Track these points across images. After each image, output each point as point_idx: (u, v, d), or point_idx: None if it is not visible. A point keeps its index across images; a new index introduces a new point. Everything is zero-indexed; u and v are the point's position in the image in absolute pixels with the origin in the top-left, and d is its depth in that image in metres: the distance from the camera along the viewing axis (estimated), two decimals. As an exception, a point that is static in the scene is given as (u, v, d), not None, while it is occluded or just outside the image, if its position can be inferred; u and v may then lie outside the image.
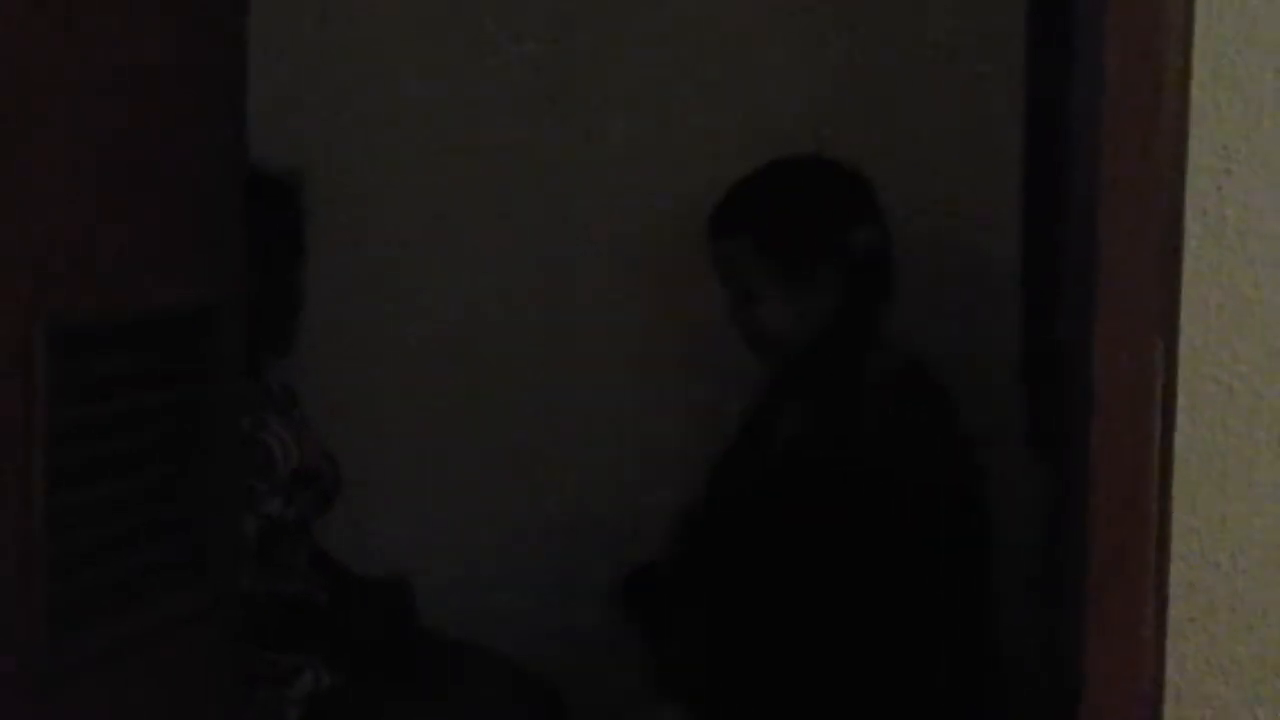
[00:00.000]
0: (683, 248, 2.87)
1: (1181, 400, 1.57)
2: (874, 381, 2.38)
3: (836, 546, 2.27)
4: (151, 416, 2.00)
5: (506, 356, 2.98)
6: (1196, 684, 1.60)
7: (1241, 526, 1.57)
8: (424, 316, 3.00)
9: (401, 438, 3.00)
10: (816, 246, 2.39)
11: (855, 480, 2.28)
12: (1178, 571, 1.59)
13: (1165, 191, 1.58)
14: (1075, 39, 1.99)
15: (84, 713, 1.86)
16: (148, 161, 1.95)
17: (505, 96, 2.96)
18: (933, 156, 2.62)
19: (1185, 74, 1.57)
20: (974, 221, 2.74)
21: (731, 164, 2.69)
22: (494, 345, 2.99)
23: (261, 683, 2.43)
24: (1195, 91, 1.56)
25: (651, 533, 2.86)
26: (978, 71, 2.79)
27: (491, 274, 2.98)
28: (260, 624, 2.39)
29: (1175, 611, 1.59)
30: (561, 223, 2.96)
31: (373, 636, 2.55)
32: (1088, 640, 1.61)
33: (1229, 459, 1.57)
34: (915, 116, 2.80)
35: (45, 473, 1.76)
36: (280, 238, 2.54)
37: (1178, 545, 1.59)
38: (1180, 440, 1.57)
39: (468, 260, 2.98)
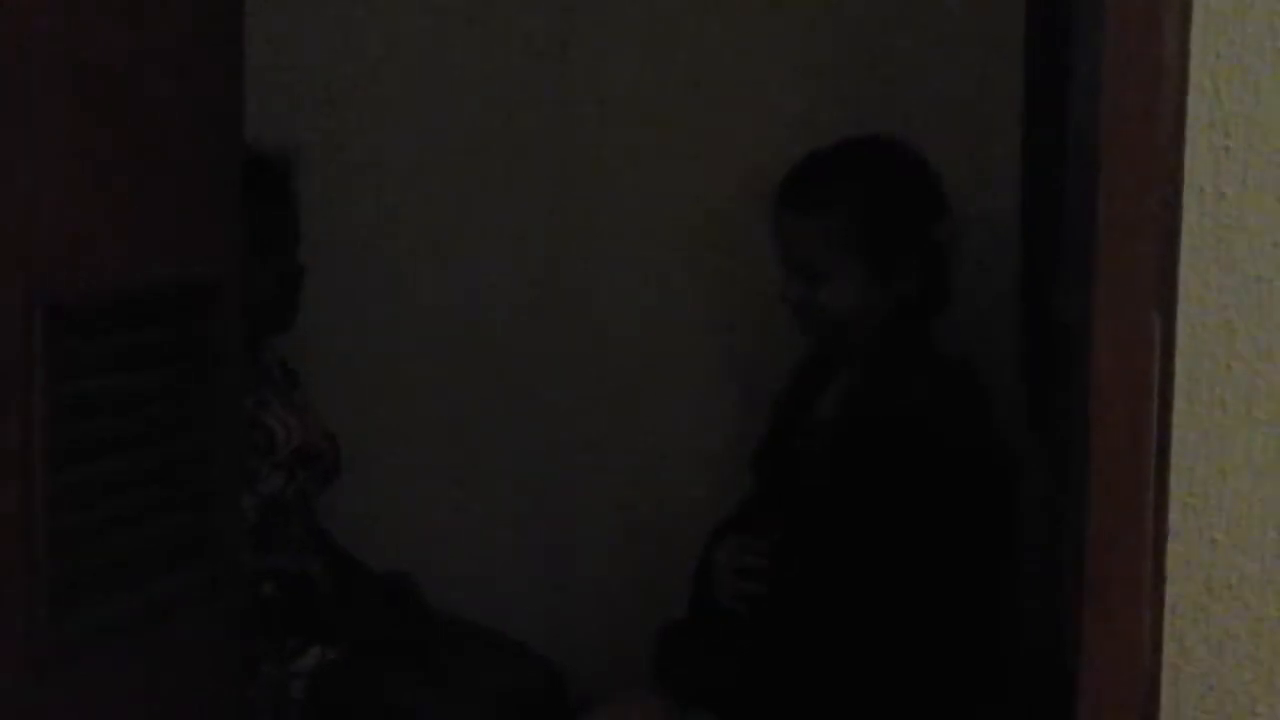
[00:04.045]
0: (710, 232, 2.89)
1: (1179, 379, 1.57)
2: (927, 359, 2.38)
3: (881, 523, 2.27)
4: (151, 395, 2.00)
5: (514, 336, 2.98)
6: (1195, 663, 1.60)
7: (1239, 505, 1.57)
8: (430, 296, 3.00)
9: (405, 418, 3.00)
10: (903, 235, 2.37)
11: (898, 458, 2.27)
12: (1175, 550, 1.59)
13: (1164, 168, 1.57)
14: (1073, 26, 1.99)
15: (85, 691, 1.87)
16: (145, 139, 1.95)
17: (511, 70, 2.95)
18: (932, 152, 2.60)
19: (1184, 52, 1.56)
20: (973, 212, 2.73)
21: (748, 148, 2.71)
22: (501, 325, 2.99)
23: (265, 658, 2.43)
24: (1194, 69, 1.55)
25: (670, 519, 2.89)
26: (978, 71, 2.78)
27: (501, 253, 2.98)
28: (261, 602, 2.40)
29: (1173, 590, 1.59)
30: (575, 199, 2.96)
31: (374, 613, 2.56)
32: (1085, 620, 1.61)
33: (1227, 437, 1.57)
34: (913, 110, 2.79)
35: (45, 451, 1.77)
36: (275, 218, 2.55)
37: (1175, 524, 1.59)
38: (1178, 418, 1.57)
39: (475, 240, 2.98)
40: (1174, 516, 1.59)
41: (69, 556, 1.82)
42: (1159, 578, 1.59)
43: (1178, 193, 1.57)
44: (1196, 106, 1.56)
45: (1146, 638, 1.60)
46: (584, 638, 2.89)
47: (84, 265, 1.85)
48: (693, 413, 2.95)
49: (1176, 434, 1.57)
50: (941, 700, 2.31)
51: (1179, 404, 1.57)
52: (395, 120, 2.97)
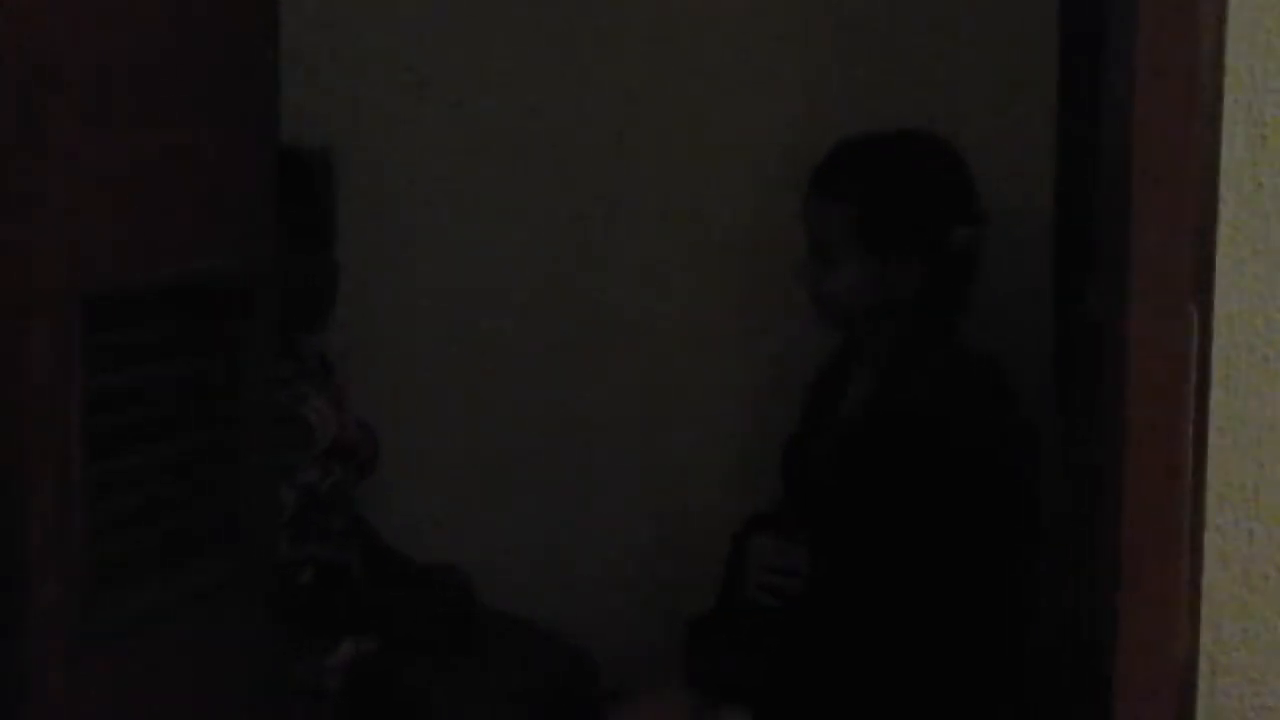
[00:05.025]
0: (740, 225, 2.89)
1: (1216, 369, 1.57)
2: (945, 358, 2.38)
3: (894, 521, 2.27)
4: (186, 386, 2.02)
5: (541, 333, 2.98)
6: (1231, 654, 1.59)
7: (1276, 495, 1.57)
8: (460, 294, 3.00)
9: (439, 412, 3.01)
10: (915, 236, 2.37)
11: (910, 456, 2.27)
12: (1212, 541, 1.59)
13: (1200, 159, 1.57)
14: (1108, 19, 1.98)
15: (119, 678, 1.88)
16: (182, 134, 1.96)
17: (531, 66, 2.95)
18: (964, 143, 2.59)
19: (1220, 43, 1.56)
20: (1005, 204, 2.72)
21: (780, 141, 2.71)
22: (529, 322, 2.99)
23: (301, 650, 2.44)
24: (1230, 58, 1.55)
25: (700, 514, 2.90)
26: (1011, 65, 2.78)
27: (528, 248, 2.98)
28: (298, 592, 2.41)
29: (1209, 581, 1.59)
30: (602, 193, 2.96)
31: (412, 606, 2.57)
32: (1122, 610, 1.61)
33: (1264, 427, 1.56)
34: (945, 103, 2.79)
35: (81, 440, 1.78)
36: (309, 215, 2.56)
37: (1212, 514, 1.59)
38: (1215, 409, 1.57)
39: (502, 237, 2.98)
40: (1211, 509, 1.59)
41: (104, 544, 1.84)
42: (1195, 569, 1.59)
43: (1214, 184, 1.57)
44: (1234, 96, 1.56)
45: (1183, 628, 1.60)
46: (615, 631, 2.89)
47: (121, 259, 1.86)
48: (722, 408, 2.94)
49: (1213, 425, 1.57)
50: (964, 698, 2.31)
51: (1216, 395, 1.57)
52: (421, 115, 2.97)
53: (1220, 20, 1.56)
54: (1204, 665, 1.59)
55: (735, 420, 2.94)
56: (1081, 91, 2.29)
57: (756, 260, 2.89)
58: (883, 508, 2.27)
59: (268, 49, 2.14)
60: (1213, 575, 1.58)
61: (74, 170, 1.77)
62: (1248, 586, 1.58)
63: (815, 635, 2.32)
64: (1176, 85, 1.58)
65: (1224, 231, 1.56)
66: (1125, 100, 1.63)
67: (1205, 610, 1.58)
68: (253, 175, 2.12)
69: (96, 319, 1.80)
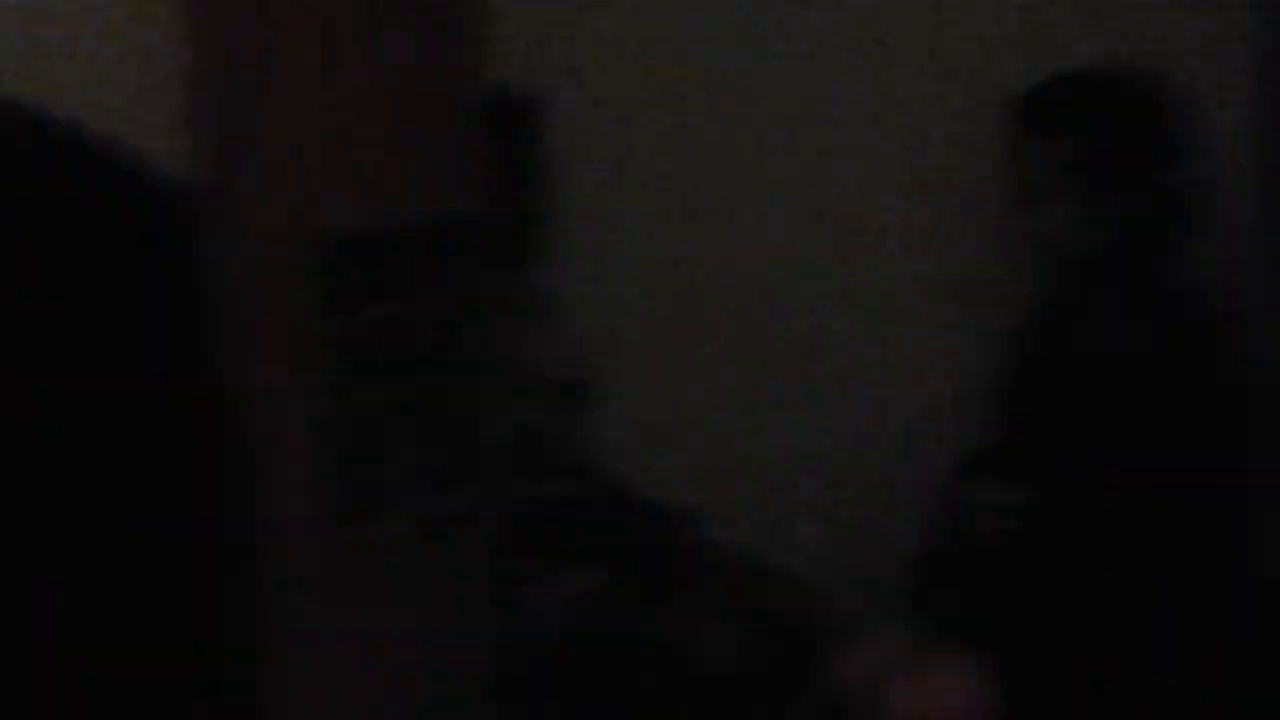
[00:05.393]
0: (942, 167, 2.85)
1: None
2: (1162, 297, 2.33)
3: (1136, 452, 2.23)
4: (414, 325, 2.05)
5: (768, 278, 2.98)
6: None
7: None
8: (687, 231, 3.00)
9: (661, 349, 3.02)
10: (1124, 172, 2.32)
11: (1145, 388, 2.23)
12: None
13: None
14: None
15: (358, 609, 1.93)
16: (401, 79, 1.99)
17: (744, 19, 2.93)
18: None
19: None
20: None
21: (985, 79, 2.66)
22: (740, 265, 2.98)
23: (525, 583, 2.48)
24: None
25: (919, 453, 2.87)
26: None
27: (753, 193, 2.97)
28: (520, 526, 2.44)
29: None
30: (809, 143, 2.94)
31: (637, 540, 2.59)
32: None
33: None
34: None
35: (318, 380, 1.82)
36: (524, 154, 2.58)
37: None
38: None
39: (729, 179, 2.98)
40: None
41: (342, 481, 1.88)
42: None
43: None
44: None
45: None
46: (836, 568, 2.88)
47: (349, 201, 1.90)
48: (936, 351, 2.91)
49: None
50: (1192, 631, 2.27)
51: None
52: (637, 66, 2.98)
53: None
54: None
55: (950, 359, 2.91)
56: None
57: (964, 201, 2.85)
58: (1114, 447, 2.23)
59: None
60: None
61: (301, 117, 1.80)
62: None
63: (1045, 573, 2.30)
64: None
65: None
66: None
67: None
68: (468, 112, 2.14)
69: (328, 259, 1.84)
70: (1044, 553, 2.31)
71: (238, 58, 1.73)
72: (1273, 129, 2.52)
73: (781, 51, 2.92)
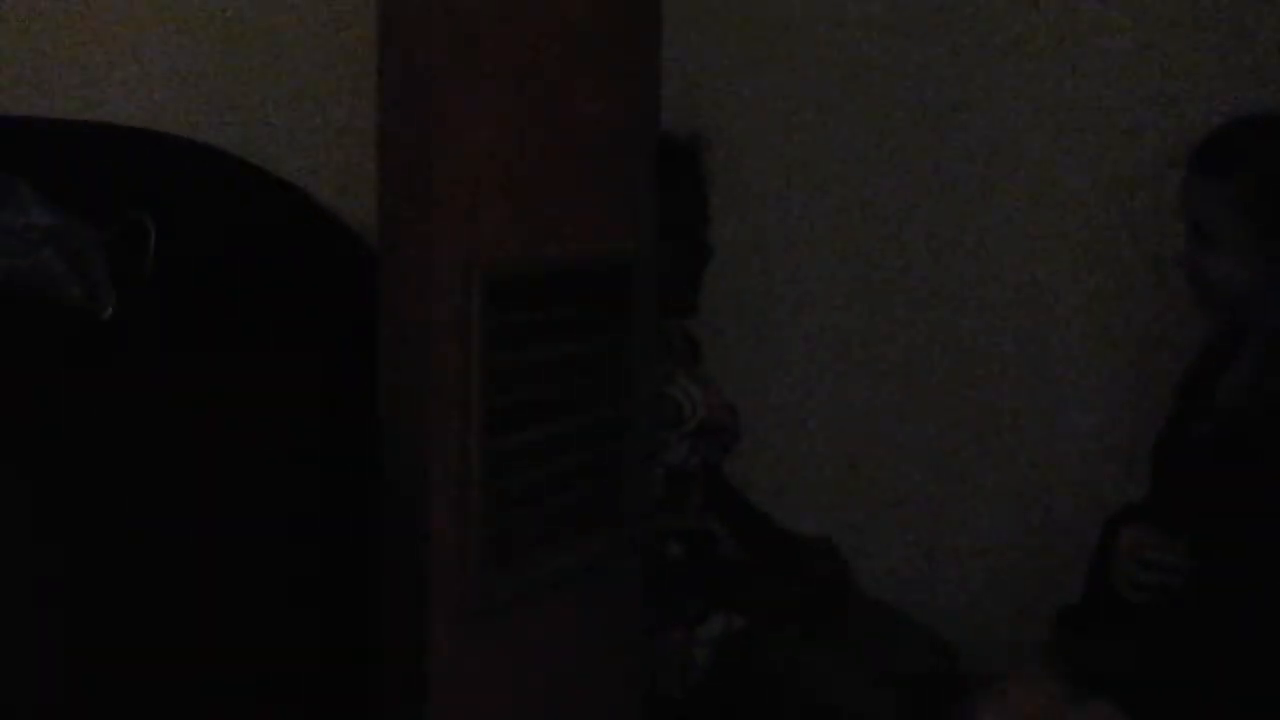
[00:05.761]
0: (1104, 209, 2.84)
1: None
2: None
3: None
4: (574, 365, 2.08)
5: (903, 323, 2.98)
6: None
7: None
8: (822, 281, 3.02)
9: (799, 398, 3.04)
10: None
11: None
12: None
13: None
14: None
15: (512, 645, 1.96)
16: (574, 120, 2.02)
17: (899, 55, 2.95)
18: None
19: None
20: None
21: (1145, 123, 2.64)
22: (890, 311, 2.99)
23: (672, 624, 2.50)
24: None
25: (1068, 505, 2.85)
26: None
27: (888, 237, 2.98)
28: (667, 564, 2.45)
29: None
30: (964, 178, 2.94)
31: (783, 580, 2.61)
32: None
33: None
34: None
35: (481, 418, 1.85)
36: (683, 199, 2.60)
37: None
38: None
39: (862, 222, 2.99)
40: None
41: (500, 518, 1.91)
42: None
43: None
44: None
45: None
46: (980, 617, 2.87)
47: (518, 242, 1.93)
48: (1091, 398, 2.90)
49: None
50: None
51: None
52: (788, 105, 3.00)
53: None
54: None
55: (1113, 414, 2.89)
56: None
57: (1132, 240, 2.84)
58: (1274, 504, 2.20)
59: (653, 33, 2.19)
60: None
61: (479, 160, 1.84)
62: None
63: (1200, 632, 2.27)
64: None
65: None
66: None
67: None
68: (639, 156, 2.18)
69: (495, 297, 1.87)
70: (1196, 611, 2.28)
71: (423, 100, 1.77)
72: None
73: (942, 92, 2.94)
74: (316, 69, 2.29)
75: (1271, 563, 2.22)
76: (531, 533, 2.01)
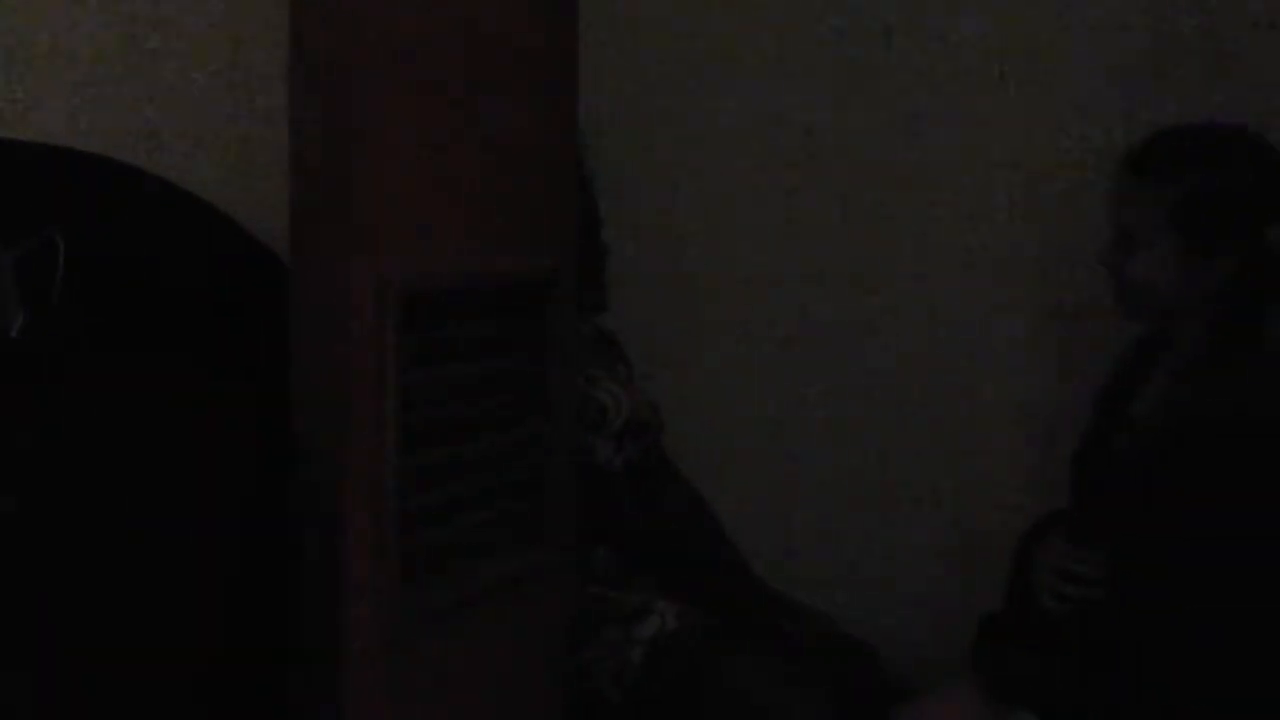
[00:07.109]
0: (1036, 215, 2.86)
1: None
2: (1255, 360, 2.31)
3: (1211, 533, 2.21)
4: (493, 381, 2.07)
5: (833, 322, 2.98)
6: None
7: None
8: (745, 269, 3.00)
9: (719, 395, 3.03)
10: (1228, 228, 2.32)
11: (1240, 454, 2.20)
12: None
13: None
14: None
15: (433, 664, 1.94)
16: (489, 135, 2.01)
17: (837, 55, 2.95)
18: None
19: None
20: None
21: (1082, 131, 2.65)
22: (820, 311, 2.98)
23: (608, 621, 2.49)
24: None
25: (991, 513, 2.86)
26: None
27: (820, 235, 2.98)
28: (596, 566, 2.45)
29: None
30: (887, 180, 2.95)
31: (710, 581, 2.62)
32: None
33: None
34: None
35: (397, 434, 1.84)
36: (582, 204, 2.60)
37: None
38: None
39: (790, 218, 2.99)
40: None
41: (418, 534, 1.90)
42: None
43: None
44: None
45: None
46: (900, 628, 2.88)
47: (432, 256, 1.92)
48: (1016, 406, 2.91)
49: None
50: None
51: None
52: (711, 99, 2.99)
53: None
54: None
55: (1035, 422, 2.91)
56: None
57: (1062, 247, 2.86)
58: (1200, 518, 2.21)
59: (569, 50, 2.18)
60: None
61: (386, 171, 1.83)
62: None
63: (1117, 647, 2.28)
64: None
65: None
66: None
67: None
68: (557, 172, 2.17)
69: (409, 314, 1.86)
70: (1114, 623, 2.29)
71: (336, 116, 1.76)
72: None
73: (860, 85, 2.94)
74: (222, 87, 2.27)
75: (1187, 578, 2.23)
76: (453, 548, 2.00)
